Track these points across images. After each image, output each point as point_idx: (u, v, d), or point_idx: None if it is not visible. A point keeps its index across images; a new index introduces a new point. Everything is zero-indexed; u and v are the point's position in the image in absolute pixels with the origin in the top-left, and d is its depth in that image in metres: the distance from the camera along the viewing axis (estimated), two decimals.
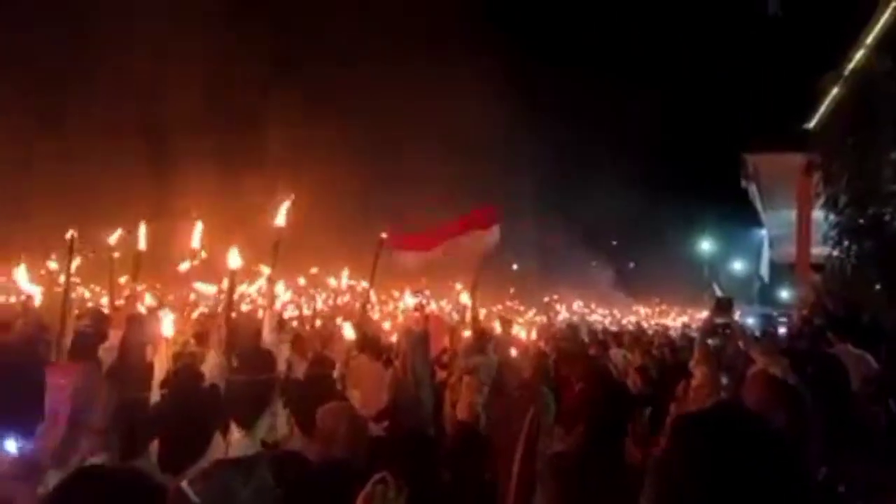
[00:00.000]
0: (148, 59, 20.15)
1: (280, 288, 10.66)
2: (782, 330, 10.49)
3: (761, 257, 25.15)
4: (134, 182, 18.44)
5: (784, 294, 22.72)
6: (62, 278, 11.72)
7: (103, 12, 20.26)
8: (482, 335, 8.35)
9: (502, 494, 6.04)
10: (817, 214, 12.76)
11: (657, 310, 35.11)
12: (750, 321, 19.89)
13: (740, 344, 5.01)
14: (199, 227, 7.29)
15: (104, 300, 9.95)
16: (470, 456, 7.10)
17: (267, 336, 5.87)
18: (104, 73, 21.13)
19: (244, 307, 12.02)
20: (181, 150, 19.56)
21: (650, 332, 19.01)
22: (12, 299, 11.05)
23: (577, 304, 28.38)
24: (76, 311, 7.29)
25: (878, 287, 9.63)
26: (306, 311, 11.92)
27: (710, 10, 32.81)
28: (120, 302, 8.32)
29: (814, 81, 11.61)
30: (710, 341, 4.19)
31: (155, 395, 4.66)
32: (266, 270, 6.83)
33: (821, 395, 3.83)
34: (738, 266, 37.82)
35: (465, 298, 11.85)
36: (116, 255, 8.57)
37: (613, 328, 21.66)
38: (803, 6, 12.81)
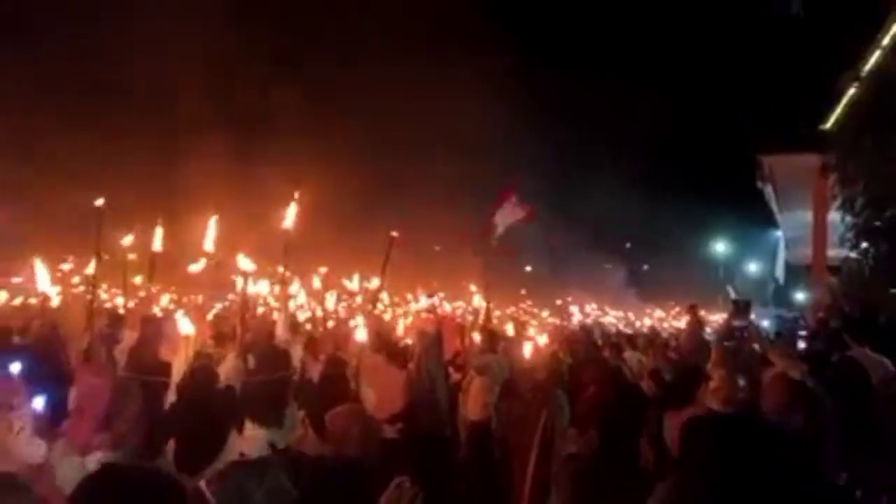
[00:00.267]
0: (157, 60, 20.27)
1: (293, 288, 10.69)
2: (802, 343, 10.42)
3: (776, 259, 24.97)
4: (147, 185, 18.58)
5: (799, 296, 22.54)
6: (75, 279, 11.81)
7: (107, 13, 20.51)
8: (492, 336, 8.35)
9: (517, 496, 6.04)
10: (833, 216, 12.64)
11: (671, 312, 34.93)
12: (765, 323, 19.75)
13: (756, 346, 4.97)
14: (211, 230, 7.33)
15: (119, 300, 10.03)
16: (484, 457, 7.11)
17: (281, 335, 5.89)
18: (114, 77, 21.31)
19: (259, 309, 12.07)
20: (192, 152, 19.69)
21: (664, 334, 18.90)
22: (32, 300, 11.16)
23: (591, 307, 28.30)
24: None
25: (894, 289, 9.54)
26: (319, 313, 11.94)
27: (727, 10, 32.58)
28: (132, 304, 8.40)
29: (830, 82, 11.51)
30: (726, 343, 4.16)
31: (172, 396, 4.69)
32: (279, 270, 6.86)
33: (839, 398, 3.79)
34: (752, 268, 37.56)
35: (478, 301, 11.85)
36: (132, 256, 8.63)
37: (627, 331, 21.57)
38: (825, 6, 12.68)
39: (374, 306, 8.29)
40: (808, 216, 16.10)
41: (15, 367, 4.36)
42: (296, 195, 5.89)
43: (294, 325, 8.41)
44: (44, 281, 7.08)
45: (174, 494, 1.81)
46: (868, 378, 4.78)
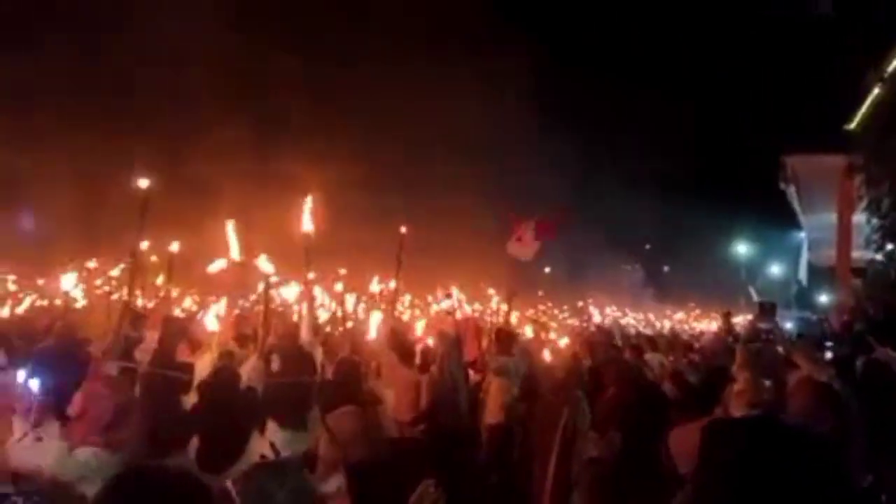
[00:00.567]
0: (174, 63, 20.43)
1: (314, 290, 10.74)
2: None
3: (799, 261, 24.74)
4: (166, 189, 18.68)
5: (823, 298, 22.28)
6: (97, 281, 11.94)
7: (110, 22, 20.73)
8: (507, 337, 8.35)
9: (537, 497, 6.02)
10: (858, 217, 12.50)
11: (692, 314, 34.66)
12: (787, 325, 19.56)
13: (779, 349, 4.92)
14: (232, 236, 7.37)
15: (139, 301, 10.15)
16: (503, 458, 7.10)
17: (305, 338, 5.92)
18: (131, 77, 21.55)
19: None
20: (212, 155, 19.84)
21: (684, 336, 18.77)
22: (57, 301, 11.29)
23: (610, 308, 28.15)
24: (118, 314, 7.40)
25: None
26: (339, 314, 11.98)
27: (753, 10, 32.28)
28: (151, 304, 8.47)
29: (854, 82, 11.39)
30: (751, 345, 4.11)
31: (193, 396, 4.73)
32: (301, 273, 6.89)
33: (865, 401, 3.75)
34: (775, 270, 37.18)
35: (495, 304, 11.82)
36: (153, 258, 8.72)
37: (648, 331, 21.44)
38: (853, 7, 12.54)
39: (392, 307, 8.31)
40: (832, 217, 15.94)
41: (21, 374, 4.43)
42: (309, 200, 5.90)
43: (314, 327, 8.45)
44: (67, 282, 7.19)
45: (200, 495, 1.82)
46: (893, 380, 4.72)
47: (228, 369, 4.81)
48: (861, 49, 11.57)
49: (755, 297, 17.62)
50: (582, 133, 34.38)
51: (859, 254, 13.98)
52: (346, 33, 24.73)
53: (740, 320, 18.09)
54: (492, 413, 7.60)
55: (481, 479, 7.09)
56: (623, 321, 25.96)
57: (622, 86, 36.45)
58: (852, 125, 12.17)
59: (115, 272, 11.81)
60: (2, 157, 16.84)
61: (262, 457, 3.62)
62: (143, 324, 7.12)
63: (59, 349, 6.35)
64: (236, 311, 10.26)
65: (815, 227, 19.92)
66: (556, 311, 24.44)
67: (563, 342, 10.37)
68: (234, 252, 6.82)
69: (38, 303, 13.81)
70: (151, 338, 5.95)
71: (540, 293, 26.55)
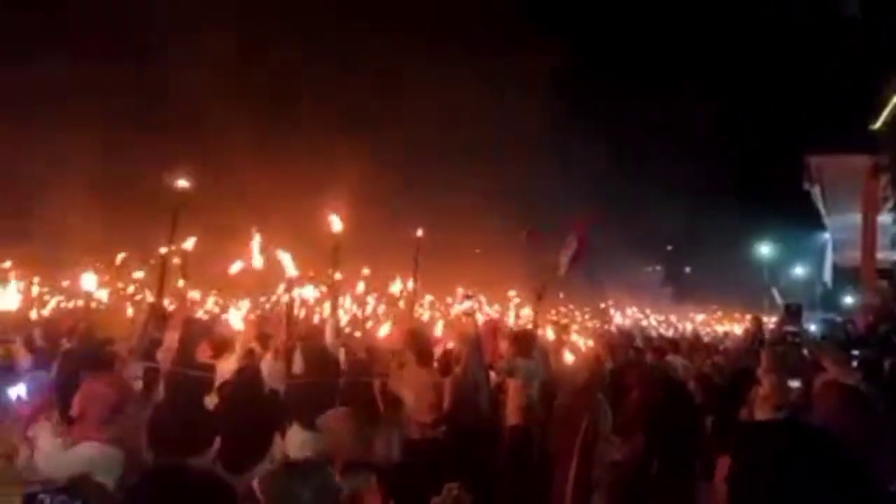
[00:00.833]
0: (196, 65, 20.61)
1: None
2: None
3: (824, 262, 24.47)
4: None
5: (848, 300, 22.01)
6: (120, 284, 12.06)
7: (142, 25, 20.95)
8: (526, 339, 8.32)
9: (558, 500, 5.99)
10: (884, 218, 12.35)
11: (714, 316, 34.37)
12: (812, 327, 19.33)
13: (805, 352, 4.86)
14: (256, 243, 7.40)
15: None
16: (522, 460, 7.08)
17: (329, 339, 5.93)
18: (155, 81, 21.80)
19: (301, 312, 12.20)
20: (236, 158, 19.98)
21: (706, 338, 18.63)
22: (79, 302, 11.44)
23: (631, 310, 27.99)
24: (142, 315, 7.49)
25: None
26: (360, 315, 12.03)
27: (776, 10, 31.94)
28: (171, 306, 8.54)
29: (879, 82, 11.25)
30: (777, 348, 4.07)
31: (213, 396, 4.76)
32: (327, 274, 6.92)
33: (893, 403, 3.69)
34: (798, 271, 36.77)
35: (513, 307, 11.79)
36: (176, 261, 8.80)
37: (669, 333, 21.30)
38: (880, 7, 12.39)
39: (411, 308, 8.34)
40: (857, 218, 15.76)
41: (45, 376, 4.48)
42: (340, 202, 5.93)
43: (337, 329, 8.48)
44: (89, 282, 7.26)
45: (224, 495, 1.84)
46: None
47: (252, 368, 4.83)
48: (887, 50, 11.43)
49: (778, 299, 17.42)
50: (603, 135, 34.17)
51: (884, 254, 13.81)
52: (372, 42, 24.81)
53: (764, 320, 17.91)
54: (511, 414, 7.59)
55: (501, 480, 7.07)
56: (644, 323, 25.82)
57: (645, 87, 36.28)
58: (877, 125, 12.02)
59: (139, 274, 11.96)
60: (27, 158, 17.11)
61: (287, 457, 3.64)
62: (166, 325, 7.18)
63: (84, 351, 6.40)
64: (258, 312, 10.33)
65: (839, 228, 19.72)
66: (577, 313, 24.34)
67: (585, 344, 10.32)
68: (257, 261, 6.85)
69: (63, 304, 14.01)
70: (171, 338, 5.99)
71: (560, 295, 26.47)
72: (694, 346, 13.41)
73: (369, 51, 24.54)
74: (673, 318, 30.86)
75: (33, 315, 11.99)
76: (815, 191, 16.89)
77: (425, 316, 14.14)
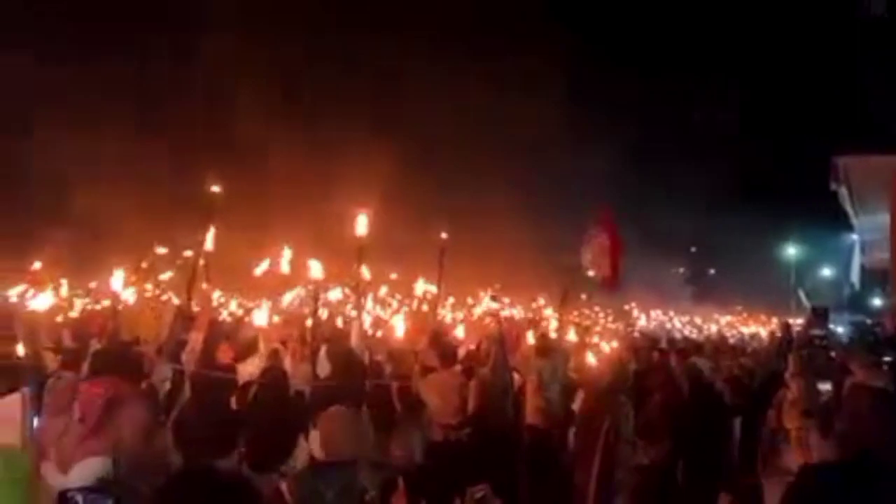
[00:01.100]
0: (221, 76, 20.78)
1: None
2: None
3: (852, 263, 24.11)
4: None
5: (877, 301, 21.70)
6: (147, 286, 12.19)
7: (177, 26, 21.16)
8: (546, 340, 8.30)
9: (580, 500, 5.97)
10: None
11: (740, 317, 34.01)
12: (840, 329, 19.08)
13: (832, 354, 4.80)
14: (287, 254, 7.38)
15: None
16: (542, 461, 7.05)
17: (355, 342, 5.95)
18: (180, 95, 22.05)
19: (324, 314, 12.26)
20: (262, 162, 20.13)
21: (731, 340, 18.46)
22: (106, 303, 11.58)
23: (655, 312, 27.77)
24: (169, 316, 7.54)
25: None
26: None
27: (804, 10, 31.54)
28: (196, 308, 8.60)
29: None
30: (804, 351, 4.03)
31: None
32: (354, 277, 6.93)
33: None
34: (826, 272, 36.30)
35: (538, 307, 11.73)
36: (202, 262, 8.87)
37: (693, 335, 21.12)
38: None
39: (435, 311, 8.35)
40: (886, 218, 15.50)
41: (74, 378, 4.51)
42: (367, 205, 5.93)
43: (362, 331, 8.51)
44: (117, 283, 7.35)
45: (250, 496, 1.86)
46: None
47: (277, 369, 4.86)
48: None
49: (805, 301, 17.21)
50: (627, 134, 33.95)
51: None
52: (400, 44, 24.89)
53: (790, 322, 17.72)
54: (529, 414, 7.57)
55: (523, 480, 7.06)
56: (668, 325, 25.62)
57: (672, 87, 35.93)
58: None
59: (165, 276, 12.06)
60: (60, 160, 17.35)
61: (312, 458, 3.66)
62: (190, 326, 7.25)
63: (113, 352, 6.47)
64: (283, 314, 10.39)
65: (867, 229, 19.41)
66: (600, 315, 24.20)
67: (608, 346, 10.28)
68: (285, 266, 6.86)
69: (90, 306, 14.17)
70: (196, 339, 6.05)
71: (583, 296, 26.32)
72: (719, 348, 13.28)
73: (398, 53, 24.61)
74: (698, 319, 30.58)
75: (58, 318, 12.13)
76: (843, 191, 16.64)
77: (448, 317, 14.14)
